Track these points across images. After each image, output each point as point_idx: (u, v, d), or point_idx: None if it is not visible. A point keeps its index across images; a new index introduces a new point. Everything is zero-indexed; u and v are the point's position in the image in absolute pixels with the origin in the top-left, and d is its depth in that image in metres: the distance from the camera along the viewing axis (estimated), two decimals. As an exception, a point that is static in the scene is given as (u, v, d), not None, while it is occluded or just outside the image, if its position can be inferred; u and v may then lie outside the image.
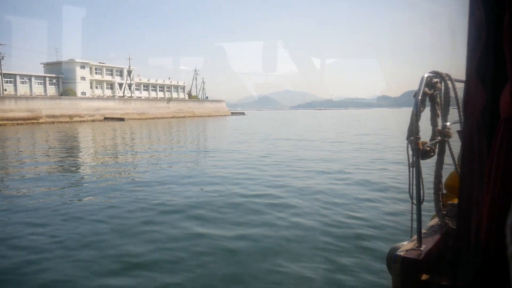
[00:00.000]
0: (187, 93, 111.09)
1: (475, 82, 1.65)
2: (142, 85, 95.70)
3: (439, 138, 2.82)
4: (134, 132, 40.53)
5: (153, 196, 9.61)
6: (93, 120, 67.23)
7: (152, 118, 79.35)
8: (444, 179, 3.06)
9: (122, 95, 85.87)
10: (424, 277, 2.33)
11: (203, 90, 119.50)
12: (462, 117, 2.60)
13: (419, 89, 2.60)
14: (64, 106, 64.98)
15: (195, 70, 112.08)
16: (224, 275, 5.16)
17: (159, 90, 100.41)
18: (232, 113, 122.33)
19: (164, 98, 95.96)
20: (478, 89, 1.65)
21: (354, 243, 6.21)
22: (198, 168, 14.69)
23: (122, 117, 70.81)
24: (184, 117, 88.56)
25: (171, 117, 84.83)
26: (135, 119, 75.01)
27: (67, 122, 62.11)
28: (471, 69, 1.66)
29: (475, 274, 1.78)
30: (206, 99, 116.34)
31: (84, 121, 65.53)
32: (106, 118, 69.56)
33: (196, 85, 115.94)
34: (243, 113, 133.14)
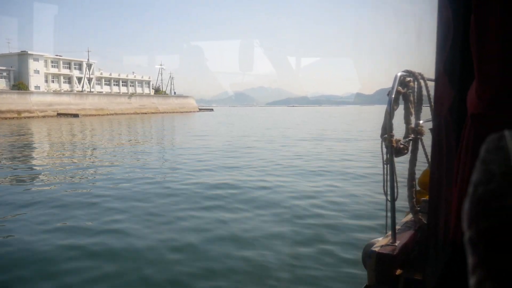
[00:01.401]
0: (153, 88, 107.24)
1: (443, 80, 1.70)
2: (103, 80, 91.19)
3: (412, 136, 2.94)
4: (80, 128, 37.70)
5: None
6: (44, 116, 62.93)
7: (111, 114, 75.31)
8: (417, 176, 3.08)
9: (80, 89, 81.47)
10: (398, 272, 2.41)
11: (171, 85, 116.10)
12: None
13: (393, 88, 2.67)
14: (12, 101, 60.39)
15: (161, 65, 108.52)
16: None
17: (122, 85, 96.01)
18: (200, 109, 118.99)
19: (127, 93, 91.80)
20: (446, 86, 1.70)
21: (330, 240, 6.30)
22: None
23: (77, 113, 66.73)
24: (146, 113, 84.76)
25: (132, 113, 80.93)
26: (93, 115, 70.84)
27: (14, 118, 57.77)
28: (439, 67, 1.71)
29: (443, 268, 1.82)
30: (174, 94, 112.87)
31: (34, 117, 61.20)
32: (59, 114, 65.36)
33: (161, 80, 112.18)
34: (212, 109, 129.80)
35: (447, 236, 1.81)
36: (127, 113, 79.55)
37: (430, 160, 2.24)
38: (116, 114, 76.74)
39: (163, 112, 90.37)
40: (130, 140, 26.24)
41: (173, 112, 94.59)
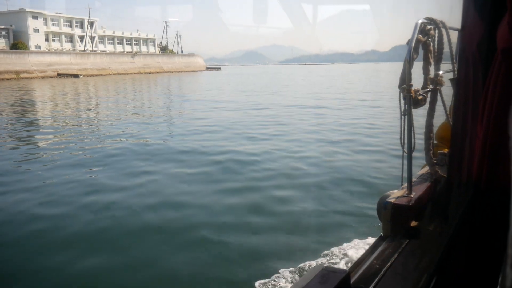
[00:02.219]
0: (158, 47, 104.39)
1: (472, 16, 1.63)
2: (106, 38, 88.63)
3: (431, 86, 2.83)
4: (75, 90, 36.40)
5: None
6: (44, 77, 61.40)
7: (114, 74, 73.48)
8: (435, 129, 3.02)
9: (83, 49, 79.26)
10: (413, 223, 2.39)
11: (178, 44, 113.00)
12: (455, 64, 2.57)
13: (413, 36, 2.55)
14: (10, 61, 58.74)
15: (166, 22, 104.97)
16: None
17: (127, 44, 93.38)
18: (207, 68, 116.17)
19: (132, 52, 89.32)
20: (475, 21, 1.62)
21: (347, 191, 6.73)
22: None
23: (78, 73, 64.98)
24: (150, 72, 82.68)
25: (136, 73, 78.96)
26: (94, 75, 69.09)
27: (12, 79, 56.34)
28: (468, 2, 1.64)
29: (464, 211, 1.76)
30: (181, 53, 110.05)
31: (33, 77, 59.72)
32: (59, 75, 63.72)
33: (167, 38, 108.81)
34: (219, 68, 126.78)
35: (470, 176, 1.74)
36: (131, 73, 77.60)
37: (453, 102, 2.20)
38: (118, 74, 74.85)
39: (168, 72, 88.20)
40: (126, 107, 23.88)
41: (179, 71, 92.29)
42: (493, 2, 1.49)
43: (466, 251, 1.76)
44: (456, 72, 2.51)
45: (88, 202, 6.67)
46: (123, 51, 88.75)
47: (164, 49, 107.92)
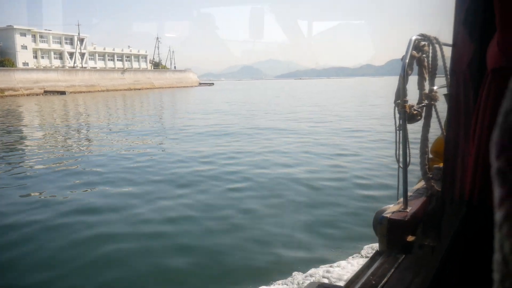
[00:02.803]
0: (151, 63, 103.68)
1: (462, 34, 1.67)
2: (97, 55, 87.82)
3: (426, 102, 2.86)
4: (52, 107, 34.89)
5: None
6: (29, 94, 60.12)
7: (103, 91, 72.31)
8: (430, 144, 3.06)
9: (72, 65, 78.27)
10: (409, 238, 2.39)
11: (171, 59, 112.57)
12: (448, 79, 2.59)
13: (407, 52, 2.60)
14: (-5, 79, 57.64)
15: (157, 38, 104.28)
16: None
17: (118, 60, 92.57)
18: (200, 83, 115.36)
19: (122, 68, 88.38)
20: (465, 41, 1.66)
21: (343, 205, 6.66)
22: None
23: (65, 90, 63.74)
24: (141, 89, 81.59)
25: (126, 89, 77.74)
26: (83, 92, 67.82)
27: (-4, 97, 55.03)
28: (459, 20, 1.68)
29: (458, 227, 1.83)
30: (174, 69, 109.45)
31: (18, 95, 58.44)
32: (46, 92, 62.50)
33: (158, 53, 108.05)
34: (212, 84, 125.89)
35: (462, 194, 1.78)
36: (121, 89, 76.42)
37: (446, 117, 2.23)
38: (108, 90, 73.65)
39: (159, 88, 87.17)
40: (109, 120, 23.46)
41: (170, 87, 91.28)
42: (483, 22, 1.50)
43: (460, 267, 1.76)
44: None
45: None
46: (114, 67, 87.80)
47: (157, 65, 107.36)
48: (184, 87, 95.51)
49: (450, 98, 1.94)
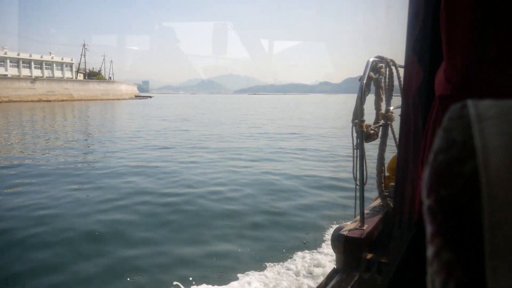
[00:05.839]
0: (81, 72, 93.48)
1: (412, 61, 1.71)
2: (8, 60, 76.59)
3: (382, 121, 2.96)
4: None
5: None
6: None
7: (5, 102, 61.97)
8: (387, 162, 3.19)
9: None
10: (366, 255, 2.44)
11: (105, 69, 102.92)
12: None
13: (364, 73, 2.68)
14: None
15: (84, 45, 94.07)
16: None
17: (36, 68, 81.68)
18: (136, 96, 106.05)
19: (33, 76, 77.41)
20: (415, 68, 1.70)
21: (301, 225, 6.65)
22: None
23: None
24: (55, 100, 71.56)
25: (37, 101, 67.57)
26: (-26, 103, 57.36)
27: None
28: (409, 49, 1.72)
29: (407, 249, 1.81)
30: (109, 79, 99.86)
31: None
32: None
33: (85, 62, 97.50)
34: (150, 97, 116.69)
35: (411, 217, 1.80)
36: (29, 101, 66.12)
37: (398, 139, 2.36)
38: (11, 101, 63.27)
39: (79, 100, 77.12)
40: None
41: (94, 99, 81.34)
42: (432, 49, 1.55)
43: (409, 286, 1.78)
44: None
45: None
46: (31, 76, 77.08)
47: (90, 75, 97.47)
48: (111, 99, 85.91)
49: (401, 120, 1.98)
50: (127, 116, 37.51)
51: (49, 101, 69.84)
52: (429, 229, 0.34)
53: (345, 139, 16.04)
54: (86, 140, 19.02)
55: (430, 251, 0.33)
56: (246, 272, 4.99)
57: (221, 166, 11.88)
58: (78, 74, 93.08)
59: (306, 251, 5.54)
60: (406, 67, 1.81)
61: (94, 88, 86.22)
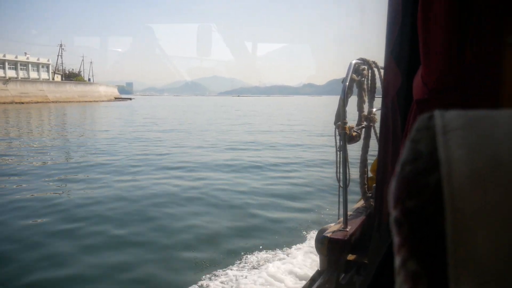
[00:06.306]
0: (59, 73, 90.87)
1: (391, 65, 1.73)
2: (-21, 62, 74.08)
3: (365, 123, 3.01)
4: None
5: None
6: None
7: (-27, 104, 59.49)
8: (370, 163, 3.20)
9: None
10: (350, 256, 2.44)
11: (84, 70, 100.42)
12: None
13: (347, 75, 2.70)
14: None
15: (61, 45, 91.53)
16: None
17: (10, 69, 79.13)
18: (116, 98, 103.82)
19: (6, 77, 74.75)
20: (394, 72, 1.72)
21: (286, 226, 6.69)
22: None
23: None
24: (29, 102, 69.23)
25: (9, 103, 65.22)
26: None
27: None
28: (388, 53, 1.74)
29: (386, 251, 1.87)
30: (89, 81, 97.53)
31: None
32: None
33: (62, 63, 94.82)
34: (130, 99, 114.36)
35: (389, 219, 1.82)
36: (1, 102, 63.77)
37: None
38: (-20, 103, 60.86)
39: (54, 102, 74.79)
40: None
41: (70, 101, 79.01)
42: (410, 54, 1.55)
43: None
44: None
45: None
46: (5, 76, 74.47)
47: (70, 77, 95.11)
48: (89, 101, 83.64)
49: (380, 122, 2.01)
50: (89, 121, 34.68)
51: (22, 103, 67.53)
52: (395, 239, 0.34)
53: (320, 148, 15.51)
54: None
55: (397, 261, 0.34)
56: (229, 275, 4.99)
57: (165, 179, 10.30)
58: (56, 75, 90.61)
59: (290, 253, 5.58)
60: (385, 70, 1.80)
61: (71, 89, 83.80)
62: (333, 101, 2.78)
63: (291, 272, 5.04)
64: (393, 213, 0.34)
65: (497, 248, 0.28)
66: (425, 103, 1.25)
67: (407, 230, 0.33)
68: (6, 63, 77.16)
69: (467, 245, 0.29)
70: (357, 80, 2.83)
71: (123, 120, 35.29)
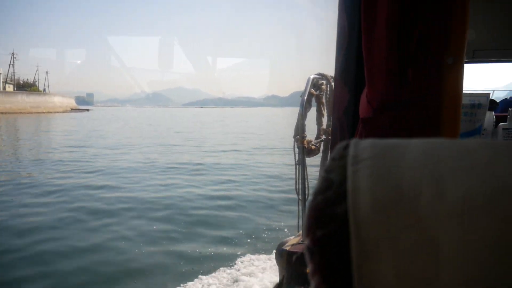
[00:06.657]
0: (10, 83, 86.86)
1: (340, 83, 1.79)
2: None
3: (323, 136, 3.07)
4: None
5: None
6: None
7: None
8: None
9: None
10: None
11: (38, 80, 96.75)
12: None
13: (306, 90, 2.78)
14: None
15: (12, 54, 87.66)
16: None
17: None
18: (73, 109, 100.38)
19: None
20: (342, 90, 1.78)
21: (246, 240, 6.62)
22: None
23: None
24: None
25: None
26: None
27: None
28: (337, 70, 1.79)
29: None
30: (44, 91, 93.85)
31: None
32: None
33: (13, 72, 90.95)
34: (87, 110, 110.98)
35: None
36: None
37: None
38: None
39: (3, 113, 71.09)
40: None
41: (21, 112, 75.64)
42: (356, 72, 1.59)
43: None
44: None
45: None
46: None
47: (24, 87, 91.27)
48: (42, 112, 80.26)
49: (331, 139, 1.95)
50: (24, 135, 31.42)
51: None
52: (309, 266, 0.35)
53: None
54: None
55: (311, 287, 0.34)
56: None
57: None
58: (8, 85, 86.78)
59: (250, 266, 5.54)
60: (334, 88, 1.84)
61: (23, 100, 79.94)
62: (296, 112, 2.82)
63: (250, 286, 5.01)
64: (306, 241, 0.35)
65: (399, 276, 0.29)
66: (370, 121, 1.28)
67: (318, 259, 0.34)
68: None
69: (370, 274, 0.30)
70: (315, 94, 2.91)
71: (66, 132, 32.52)
